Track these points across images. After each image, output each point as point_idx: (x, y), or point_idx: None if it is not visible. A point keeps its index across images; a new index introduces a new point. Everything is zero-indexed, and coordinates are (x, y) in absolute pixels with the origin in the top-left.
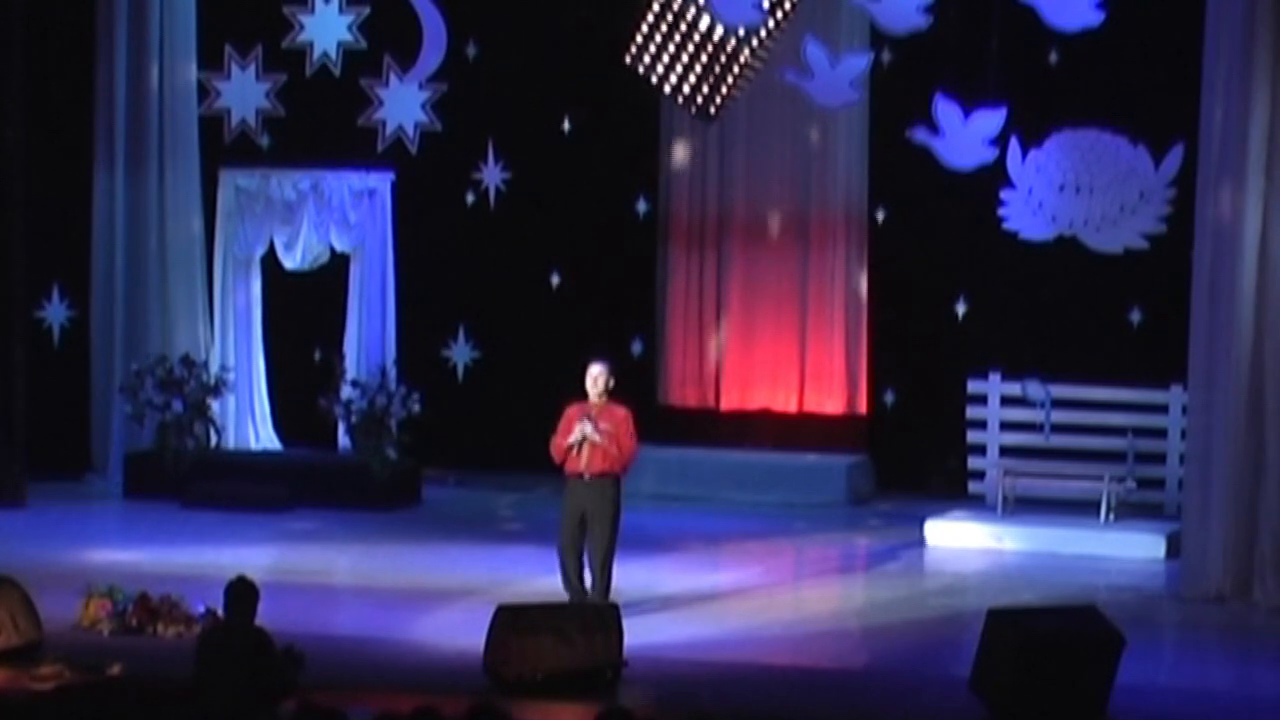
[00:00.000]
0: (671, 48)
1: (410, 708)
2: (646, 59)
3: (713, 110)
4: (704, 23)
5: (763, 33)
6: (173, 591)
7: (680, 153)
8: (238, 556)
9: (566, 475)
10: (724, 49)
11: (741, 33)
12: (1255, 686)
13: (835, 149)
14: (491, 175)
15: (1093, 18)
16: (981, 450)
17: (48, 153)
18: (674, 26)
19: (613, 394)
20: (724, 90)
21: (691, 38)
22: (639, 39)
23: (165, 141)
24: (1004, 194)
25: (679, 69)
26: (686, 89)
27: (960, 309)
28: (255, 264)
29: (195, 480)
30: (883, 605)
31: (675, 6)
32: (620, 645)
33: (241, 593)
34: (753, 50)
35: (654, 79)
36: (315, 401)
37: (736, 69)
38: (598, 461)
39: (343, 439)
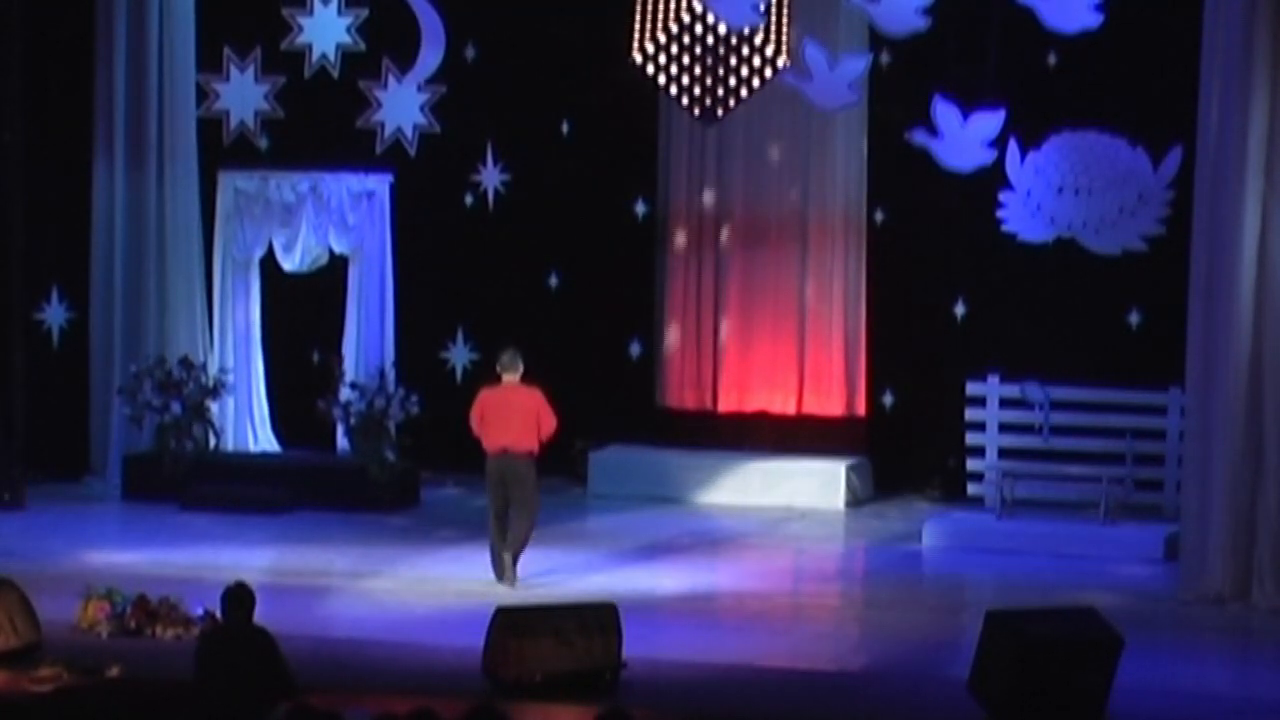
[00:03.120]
0: (680, 52)
1: (408, 709)
2: (661, 59)
3: (719, 112)
4: (711, 25)
5: (781, 44)
6: (171, 593)
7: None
8: (236, 558)
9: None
10: (731, 52)
11: (748, 36)
12: (1254, 688)
13: (834, 151)
14: (490, 177)
15: (1091, 19)
16: (980, 452)
17: (47, 155)
18: (680, 28)
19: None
20: (738, 95)
21: (698, 40)
22: (646, 41)
23: (164, 143)
24: (1003, 196)
25: (695, 72)
26: (697, 90)
27: (959, 311)
28: (254, 266)
29: (194, 482)
30: (881, 607)
31: (682, 8)
32: (619, 647)
33: (239, 597)
34: (759, 55)
35: (660, 80)
36: (314, 403)
37: (747, 74)
38: None
39: (341, 441)
